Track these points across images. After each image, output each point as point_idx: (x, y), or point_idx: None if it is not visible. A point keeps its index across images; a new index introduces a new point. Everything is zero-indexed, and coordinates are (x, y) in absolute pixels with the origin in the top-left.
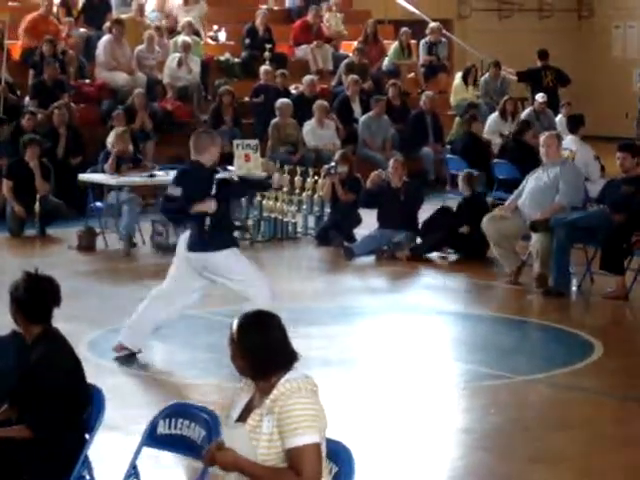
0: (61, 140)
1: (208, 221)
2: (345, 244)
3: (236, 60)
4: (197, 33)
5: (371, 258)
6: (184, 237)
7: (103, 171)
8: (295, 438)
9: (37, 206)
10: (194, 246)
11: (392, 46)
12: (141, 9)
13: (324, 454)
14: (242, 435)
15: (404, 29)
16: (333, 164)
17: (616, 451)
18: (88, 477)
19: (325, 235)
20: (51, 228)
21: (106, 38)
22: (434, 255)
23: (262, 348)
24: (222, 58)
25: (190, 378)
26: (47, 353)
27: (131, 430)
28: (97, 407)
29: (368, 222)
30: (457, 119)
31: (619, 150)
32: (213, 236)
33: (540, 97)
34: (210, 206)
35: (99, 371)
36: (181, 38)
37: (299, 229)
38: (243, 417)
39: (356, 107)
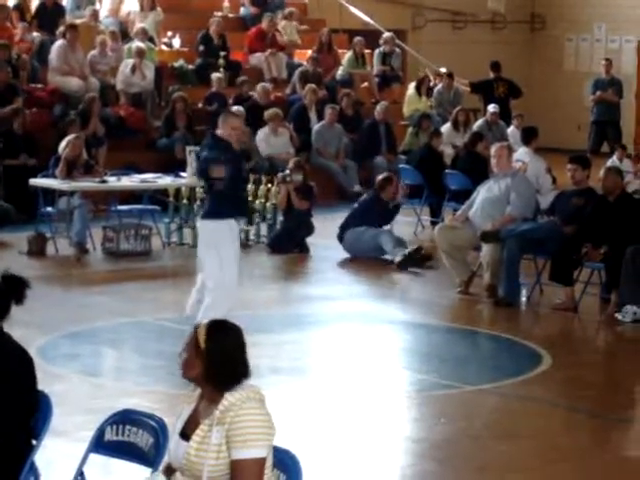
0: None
1: None
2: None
3: (190, 67)
4: (151, 39)
5: (325, 266)
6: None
7: (54, 176)
8: (242, 450)
9: None
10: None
11: (346, 55)
12: (95, 14)
13: (270, 463)
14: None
15: (358, 38)
16: (288, 172)
17: (564, 461)
18: None
19: (278, 243)
20: (1, 233)
21: (59, 43)
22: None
23: (227, 356)
24: (176, 64)
25: (139, 385)
26: None
27: (78, 436)
28: (44, 413)
29: (322, 231)
30: (410, 129)
31: (570, 162)
32: None
33: (492, 108)
34: None
35: (47, 377)
36: (135, 44)
37: (251, 237)
38: (187, 429)
39: (313, 116)
